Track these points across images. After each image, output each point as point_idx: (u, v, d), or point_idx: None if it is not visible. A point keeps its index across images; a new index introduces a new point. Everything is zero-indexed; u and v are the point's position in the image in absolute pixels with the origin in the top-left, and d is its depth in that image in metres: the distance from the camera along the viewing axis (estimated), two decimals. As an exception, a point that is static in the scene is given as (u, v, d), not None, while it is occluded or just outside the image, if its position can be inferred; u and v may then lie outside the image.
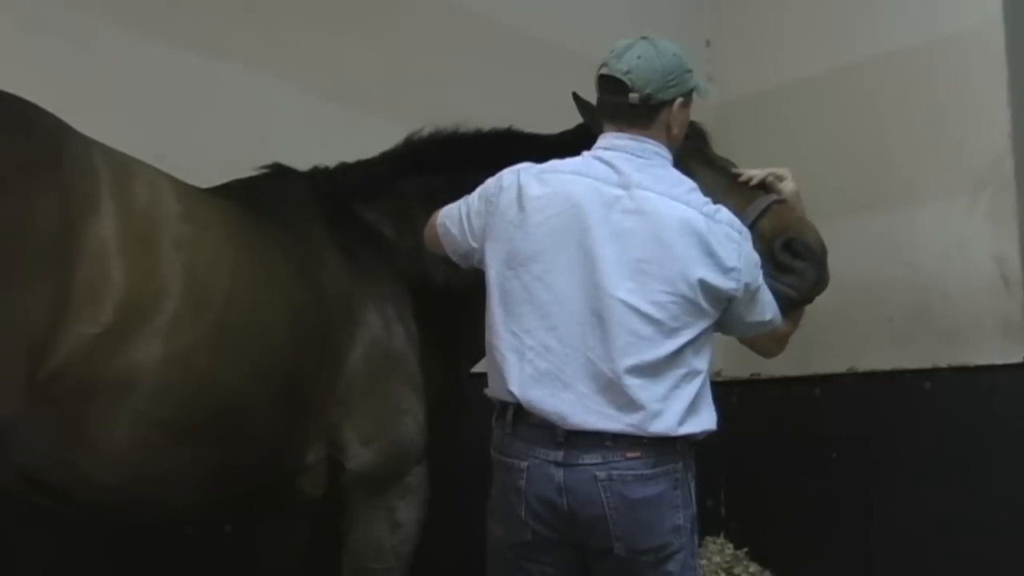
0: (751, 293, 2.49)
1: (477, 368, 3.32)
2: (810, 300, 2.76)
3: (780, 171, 2.85)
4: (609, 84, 2.54)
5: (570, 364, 2.36)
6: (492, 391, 2.50)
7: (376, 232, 3.06)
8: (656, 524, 2.35)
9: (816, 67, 4.65)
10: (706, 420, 2.42)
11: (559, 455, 2.34)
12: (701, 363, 2.42)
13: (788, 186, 2.82)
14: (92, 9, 3.49)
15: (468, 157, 3.11)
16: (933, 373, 4.10)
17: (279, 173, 3.10)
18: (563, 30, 4.58)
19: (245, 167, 3.07)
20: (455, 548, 3.26)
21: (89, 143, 2.39)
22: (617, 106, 2.53)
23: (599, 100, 2.61)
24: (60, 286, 2.18)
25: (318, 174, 3.13)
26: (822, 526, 4.40)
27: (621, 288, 2.36)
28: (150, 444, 2.37)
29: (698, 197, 2.49)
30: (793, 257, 2.70)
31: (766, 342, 2.70)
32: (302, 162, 3.16)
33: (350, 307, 2.82)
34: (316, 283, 2.78)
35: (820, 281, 2.73)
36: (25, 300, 2.14)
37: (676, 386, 2.36)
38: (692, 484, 2.43)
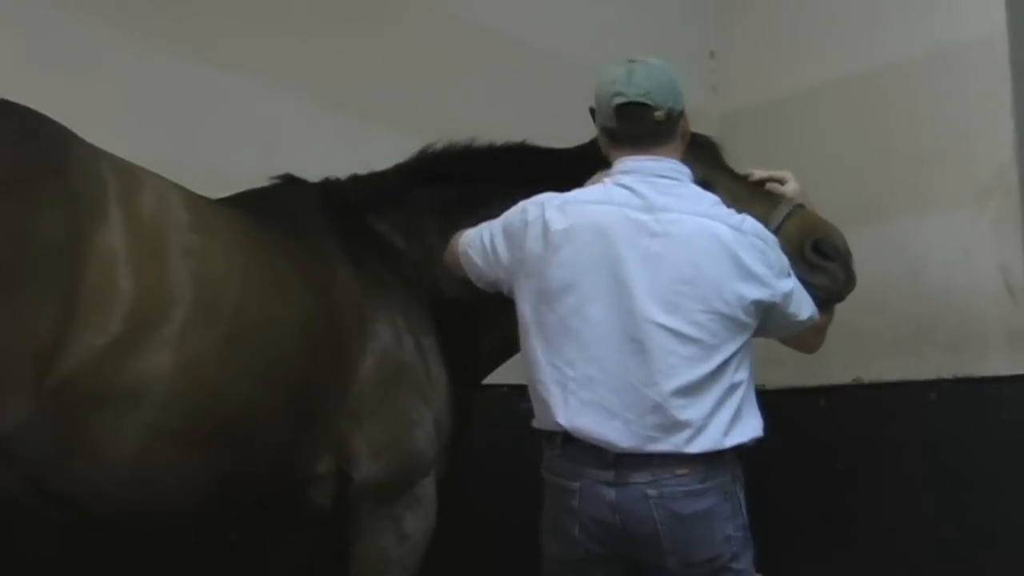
0: (787, 296, 2.52)
1: (488, 380, 3.34)
2: (841, 299, 2.82)
3: (781, 174, 2.88)
4: (630, 110, 2.54)
5: (614, 393, 2.39)
6: (539, 423, 2.52)
7: (387, 243, 3.05)
8: (708, 537, 2.40)
9: (820, 77, 4.64)
10: (752, 428, 2.47)
11: (610, 475, 2.39)
12: (742, 375, 2.46)
13: (791, 187, 2.85)
14: (96, 19, 3.49)
15: (482, 170, 3.12)
16: (938, 384, 4.08)
17: (289, 183, 3.10)
18: (567, 41, 4.58)
19: (249, 176, 3.06)
20: (460, 554, 3.27)
21: (96, 152, 2.38)
22: (641, 129, 2.55)
23: (611, 130, 2.60)
24: (67, 295, 2.17)
25: (329, 185, 3.12)
26: (827, 537, 4.38)
27: (658, 313, 2.39)
28: (159, 454, 2.36)
29: (723, 210, 2.52)
30: (823, 258, 2.77)
31: (807, 336, 2.74)
32: (307, 171, 3.15)
33: (360, 318, 2.81)
34: (326, 293, 2.76)
35: (850, 280, 2.80)
36: (31, 309, 2.13)
37: (720, 401, 2.40)
38: (741, 493, 2.47)
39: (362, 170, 3.21)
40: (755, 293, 2.44)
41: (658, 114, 2.52)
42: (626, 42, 4.74)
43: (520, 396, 4.00)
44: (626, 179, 2.53)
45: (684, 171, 2.58)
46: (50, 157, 2.25)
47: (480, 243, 2.71)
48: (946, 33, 4.19)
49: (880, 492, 4.20)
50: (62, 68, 3.35)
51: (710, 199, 2.55)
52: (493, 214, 3.08)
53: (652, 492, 2.36)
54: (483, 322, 3.09)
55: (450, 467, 3.01)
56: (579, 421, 2.40)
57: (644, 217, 2.46)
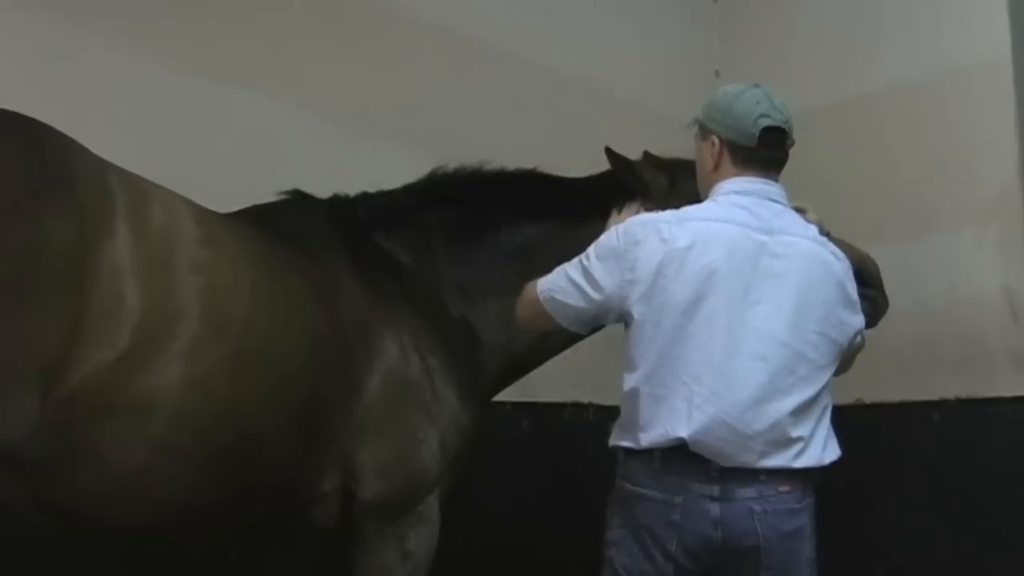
0: (863, 326, 2.63)
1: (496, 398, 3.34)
2: (875, 325, 2.84)
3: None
4: (773, 135, 2.58)
5: (736, 407, 2.41)
6: (644, 439, 2.45)
7: (395, 261, 3.05)
8: (799, 555, 2.48)
9: (824, 98, 4.63)
10: (837, 448, 2.56)
11: (715, 490, 2.41)
12: (830, 398, 2.56)
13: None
14: (101, 34, 3.50)
15: (492, 195, 3.14)
16: (941, 405, 4.08)
17: (298, 199, 3.09)
18: (573, 61, 4.60)
19: (255, 192, 3.06)
20: (465, 570, 3.26)
21: (103, 164, 2.37)
22: (776, 154, 2.62)
23: (747, 149, 2.59)
24: (74, 310, 2.16)
25: (338, 201, 3.12)
26: (827, 558, 4.35)
27: (782, 331, 2.45)
28: (165, 469, 2.36)
29: (824, 239, 2.60)
30: (863, 286, 2.78)
31: (841, 367, 2.77)
32: (311, 187, 3.14)
33: (367, 335, 2.81)
34: (334, 310, 2.76)
35: (886, 306, 2.86)
36: (38, 324, 2.13)
37: (819, 421, 2.50)
38: None
39: (368, 187, 3.21)
40: (855, 322, 2.57)
41: (789, 142, 2.62)
42: (632, 62, 4.79)
43: (522, 413, 4.03)
44: (743, 200, 2.57)
45: (786, 198, 2.64)
46: (56, 170, 2.24)
47: (567, 283, 2.59)
48: (951, 56, 4.20)
49: (882, 513, 4.18)
50: (67, 81, 3.36)
51: (813, 228, 2.62)
52: (501, 239, 3.09)
53: (757, 508, 2.40)
54: (487, 342, 3.10)
55: (453, 485, 3.00)
56: (702, 435, 2.40)
57: (764, 238, 2.51)
